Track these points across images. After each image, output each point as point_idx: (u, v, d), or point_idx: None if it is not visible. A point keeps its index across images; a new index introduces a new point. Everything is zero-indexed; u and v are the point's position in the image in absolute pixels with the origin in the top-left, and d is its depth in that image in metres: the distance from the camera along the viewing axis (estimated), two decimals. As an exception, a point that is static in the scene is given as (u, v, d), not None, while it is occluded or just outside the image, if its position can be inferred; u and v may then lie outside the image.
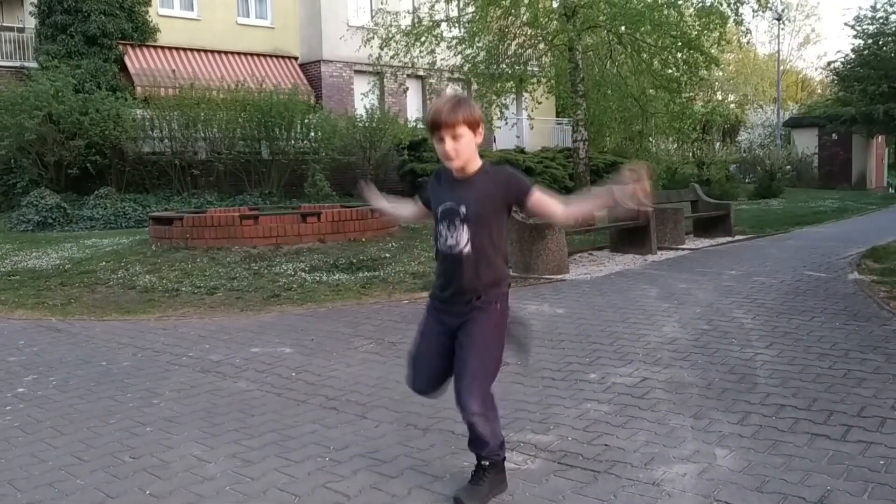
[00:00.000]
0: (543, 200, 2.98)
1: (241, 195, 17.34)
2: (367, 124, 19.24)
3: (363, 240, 10.40)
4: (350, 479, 3.22)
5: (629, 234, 10.53)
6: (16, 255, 10.72)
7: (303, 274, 8.57)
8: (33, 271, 9.39)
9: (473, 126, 2.91)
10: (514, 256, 9.01)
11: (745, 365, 4.76)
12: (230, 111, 17.52)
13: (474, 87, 16.24)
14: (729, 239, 12.07)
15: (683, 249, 10.85)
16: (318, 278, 8.32)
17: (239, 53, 22.95)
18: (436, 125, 2.90)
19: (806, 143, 30.42)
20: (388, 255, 9.68)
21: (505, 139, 24.74)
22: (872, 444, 3.41)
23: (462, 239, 2.94)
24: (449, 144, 2.89)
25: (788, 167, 26.28)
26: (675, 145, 17.40)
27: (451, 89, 18.96)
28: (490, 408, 2.99)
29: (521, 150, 22.86)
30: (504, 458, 3.10)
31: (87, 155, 15.97)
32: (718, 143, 32.84)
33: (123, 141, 16.66)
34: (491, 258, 2.97)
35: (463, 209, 2.93)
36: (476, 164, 2.97)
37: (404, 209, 3.46)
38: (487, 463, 3.02)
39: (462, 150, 2.90)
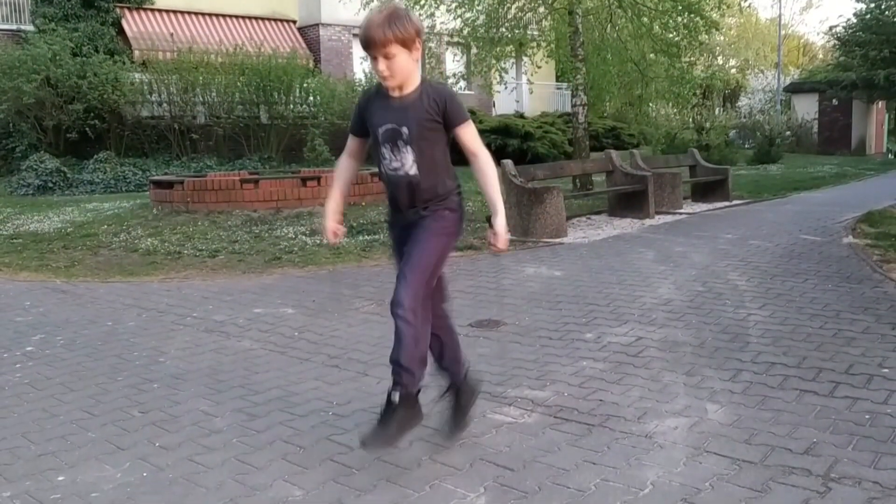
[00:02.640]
0: (473, 136, 2.95)
1: (240, 159, 17.37)
2: (365, 88, 19.18)
3: (363, 204, 10.46)
4: (352, 433, 3.32)
5: (627, 199, 10.60)
6: (17, 219, 10.79)
7: (303, 237, 8.65)
8: (36, 234, 9.47)
9: (408, 43, 2.80)
10: (513, 220, 9.09)
11: (738, 325, 4.86)
12: (229, 75, 17.48)
13: (474, 50, 16.17)
14: (727, 203, 12.14)
15: (681, 214, 10.92)
16: (318, 241, 8.40)
17: (237, 17, 22.79)
18: (367, 45, 2.79)
19: (806, 108, 30.31)
20: (386, 218, 9.74)
21: (504, 104, 24.65)
22: (859, 399, 3.52)
23: (407, 161, 2.90)
24: (382, 64, 2.79)
25: (788, 133, 26.24)
26: (675, 110, 17.36)
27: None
28: (420, 314, 2.89)
29: (521, 115, 22.82)
30: (419, 391, 2.98)
31: (85, 119, 15.97)
32: (718, 109, 32.74)
33: (122, 105, 16.66)
34: (437, 176, 2.95)
35: (405, 130, 2.86)
36: (415, 82, 2.88)
37: (346, 174, 3.24)
38: (398, 397, 2.87)
39: (397, 70, 2.80)
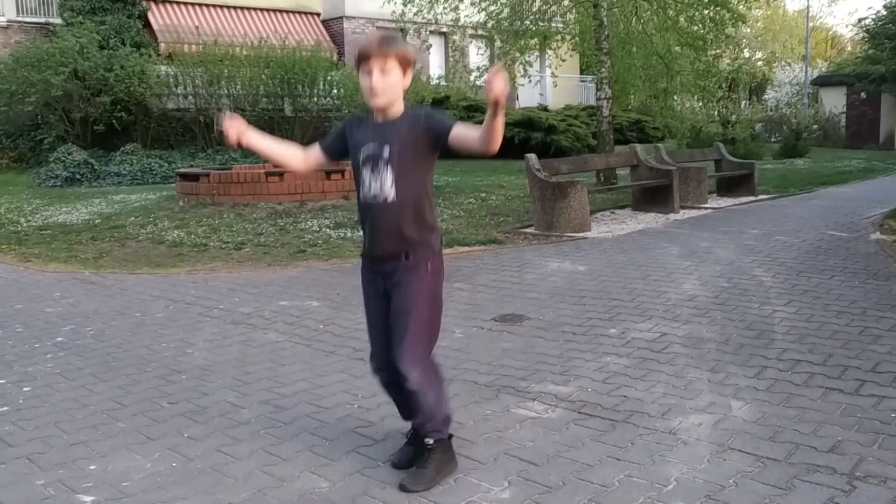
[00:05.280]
0: (464, 133, 2.76)
1: (265, 152, 17.43)
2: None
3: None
4: (378, 425, 3.36)
5: (652, 193, 10.55)
6: (46, 210, 10.94)
7: (327, 230, 8.71)
8: (64, 226, 9.60)
9: (404, 64, 2.78)
10: (537, 214, 9.09)
11: (763, 321, 4.84)
12: (253, 68, 17.54)
13: (498, 44, 16.13)
14: (752, 198, 12.04)
15: (706, 208, 10.85)
16: (342, 234, 8.45)
17: (262, 9, 22.90)
18: (366, 55, 2.75)
19: (834, 101, 29.93)
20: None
21: (528, 97, 24.58)
22: (885, 398, 3.50)
23: (386, 183, 2.78)
24: (376, 77, 2.74)
25: (815, 126, 25.94)
26: (700, 104, 17.20)
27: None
28: (432, 376, 2.90)
29: (545, 108, 22.75)
30: (451, 437, 2.96)
31: (112, 111, 16.11)
32: (744, 102, 32.43)
33: (148, 97, 16.78)
34: (417, 207, 2.83)
35: (386, 151, 2.79)
36: (399, 108, 2.84)
37: (288, 151, 3.05)
38: (432, 442, 2.88)
39: (388, 88, 2.76)
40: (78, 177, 14.81)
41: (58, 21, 19.83)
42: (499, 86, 2.48)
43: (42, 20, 20.80)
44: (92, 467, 3.04)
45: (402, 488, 2.80)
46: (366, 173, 2.83)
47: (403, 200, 2.79)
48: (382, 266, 2.89)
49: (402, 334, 2.82)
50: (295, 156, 3.06)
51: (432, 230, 2.90)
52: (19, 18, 20.74)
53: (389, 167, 2.78)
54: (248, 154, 16.97)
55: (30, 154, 16.93)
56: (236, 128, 2.84)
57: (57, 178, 14.60)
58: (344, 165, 11.55)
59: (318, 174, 10.66)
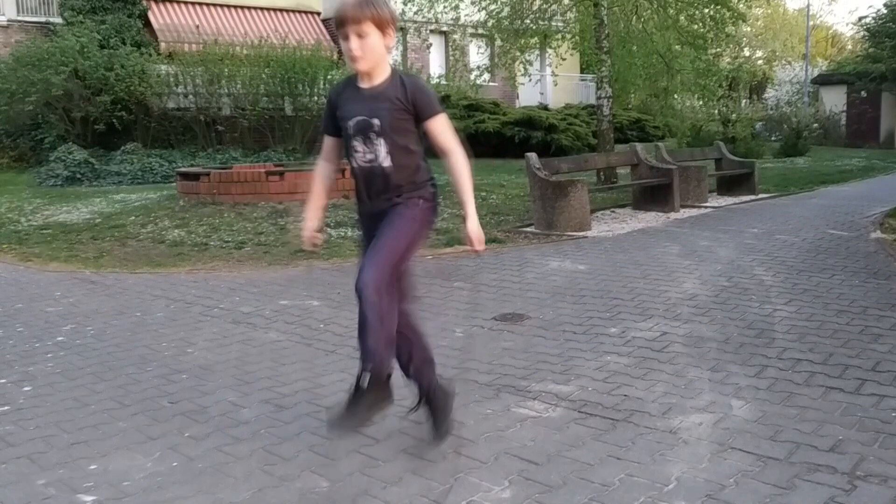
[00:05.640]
0: (445, 131, 2.89)
1: (264, 151, 17.45)
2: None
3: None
4: (379, 425, 3.34)
5: (652, 192, 10.55)
6: (46, 210, 10.94)
7: (328, 229, 8.71)
8: (64, 225, 9.60)
9: (382, 25, 2.77)
10: (537, 213, 9.09)
11: (764, 320, 4.84)
12: (254, 67, 17.56)
13: (498, 42, 16.13)
14: (752, 197, 12.04)
15: (706, 207, 10.86)
16: (342, 234, 8.45)
17: (262, 9, 22.91)
18: (341, 21, 2.76)
19: (834, 100, 29.93)
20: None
21: (529, 96, 24.60)
22: (886, 397, 3.50)
23: (381, 153, 2.84)
24: (354, 43, 2.75)
25: (815, 125, 25.93)
26: (701, 102, 17.21)
27: None
28: (387, 293, 2.82)
29: (545, 107, 22.75)
30: (390, 374, 2.94)
31: (112, 111, 16.12)
32: (745, 101, 32.41)
33: (148, 97, 16.79)
34: (411, 166, 2.90)
35: (376, 122, 2.81)
36: (384, 70, 2.85)
37: (324, 179, 3.15)
38: (367, 380, 2.84)
39: (368, 50, 2.76)
40: (78, 176, 14.81)
41: (58, 20, 19.85)
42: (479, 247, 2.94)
43: (42, 19, 20.81)
44: (92, 467, 3.04)
45: (330, 426, 2.91)
46: (357, 143, 2.88)
47: (399, 165, 2.87)
48: (377, 204, 2.96)
49: (373, 247, 2.86)
50: (328, 173, 3.15)
51: (426, 178, 2.98)
52: (20, 18, 20.75)
53: (382, 139, 2.83)
54: (248, 153, 17.03)
55: (30, 153, 16.95)
56: (310, 236, 3.11)
57: (57, 177, 14.61)
58: (343, 165, 11.60)
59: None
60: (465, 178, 2.93)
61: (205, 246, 8.07)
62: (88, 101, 16.03)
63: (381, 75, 2.85)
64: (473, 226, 2.93)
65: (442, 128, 2.90)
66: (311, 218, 3.10)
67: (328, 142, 3.08)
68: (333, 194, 10.55)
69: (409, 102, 2.84)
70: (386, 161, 2.85)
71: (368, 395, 2.85)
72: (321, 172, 3.15)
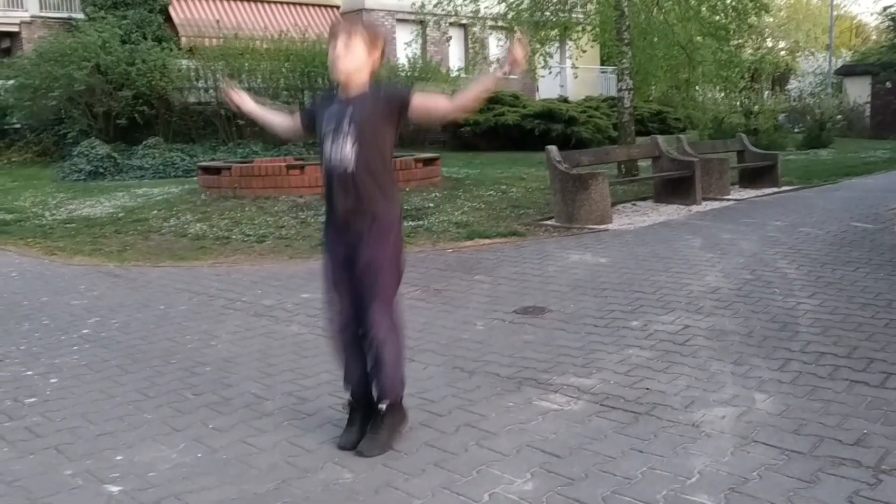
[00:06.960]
0: (427, 100, 3.02)
1: (285, 145, 17.46)
2: (409, 74, 19.21)
3: (407, 190, 10.50)
4: (400, 417, 3.37)
5: (674, 185, 10.48)
6: (70, 204, 11.05)
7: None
8: (88, 219, 9.69)
9: (369, 44, 2.94)
10: (558, 206, 9.06)
11: (787, 314, 4.81)
12: (273, 61, 17.64)
13: (517, 35, 16.06)
14: (775, 189, 11.94)
15: (729, 200, 10.78)
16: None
17: (282, 3, 23.00)
18: (334, 32, 2.94)
19: (858, 91, 29.55)
20: (431, 204, 9.80)
21: (549, 88, 24.46)
22: (911, 390, 3.47)
23: (347, 154, 2.93)
24: (340, 44, 2.91)
25: (839, 116, 25.64)
26: (723, 94, 17.05)
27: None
28: (398, 330, 3.08)
29: (565, 100, 22.65)
30: (402, 398, 3.14)
31: (134, 105, 16.25)
32: (767, 92, 32.11)
33: (170, 91, 16.90)
34: (379, 177, 2.97)
35: (346, 124, 2.93)
36: (363, 81, 2.97)
37: (276, 117, 3.39)
38: (384, 407, 3.05)
39: (350, 52, 2.91)
40: (101, 170, 14.93)
41: (80, 16, 20.04)
42: (521, 52, 2.86)
43: (65, 15, 21.02)
44: (118, 458, 3.08)
45: (360, 454, 2.98)
46: (328, 145, 2.98)
47: (366, 172, 2.94)
48: (348, 235, 3.01)
49: (373, 291, 2.99)
50: (282, 119, 3.36)
51: (392, 201, 3.05)
52: (42, 14, 20.97)
53: (349, 139, 2.92)
54: (269, 147, 17.09)
55: (54, 148, 17.11)
56: (236, 94, 3.34)
57: (80, 171, 14.73)
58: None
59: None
60: (467, 93, 3.00)
61: (227, 239, 8.13)
62: (110, 95, 16.17)
63: (359, 87, 2.98)
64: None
65: (425, 98, 3.02)
66: (247, 100, 3.37)
67: (296, 118, 3.30)
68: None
69: (385, 104, 2.97)
70: (352, 165, 2.93)
71: (387, 419, 3.07)
72: (275, 112, 3.43)
